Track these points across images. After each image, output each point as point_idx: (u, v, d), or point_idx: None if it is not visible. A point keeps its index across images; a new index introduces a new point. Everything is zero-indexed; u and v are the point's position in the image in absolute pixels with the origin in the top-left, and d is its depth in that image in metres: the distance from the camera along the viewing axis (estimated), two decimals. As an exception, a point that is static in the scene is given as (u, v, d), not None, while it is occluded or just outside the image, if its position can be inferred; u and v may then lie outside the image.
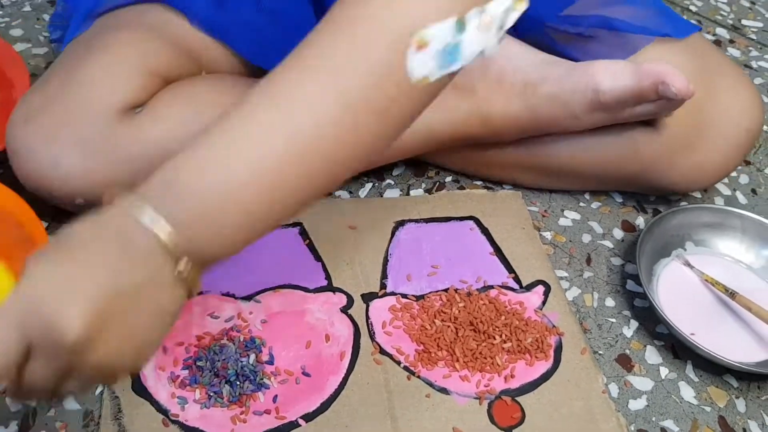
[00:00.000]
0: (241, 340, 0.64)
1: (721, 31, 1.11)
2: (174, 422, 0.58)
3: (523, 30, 0.76)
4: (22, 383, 0.41)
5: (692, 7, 1.15)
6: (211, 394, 0.60)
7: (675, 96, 0.66)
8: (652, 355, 0.68)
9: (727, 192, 0.86)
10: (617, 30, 0.74)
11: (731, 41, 1.09)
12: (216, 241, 0.44)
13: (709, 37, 1.10)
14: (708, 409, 0.65)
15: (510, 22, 0.48)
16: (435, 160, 0.83)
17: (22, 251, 0.67)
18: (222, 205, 0.43)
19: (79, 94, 0.64)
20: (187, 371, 0.61)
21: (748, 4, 1.18)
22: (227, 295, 0.68)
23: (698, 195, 0.85)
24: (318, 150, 0.44)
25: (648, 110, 0.70)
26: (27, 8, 1.01)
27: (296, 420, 0.60)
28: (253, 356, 0.62)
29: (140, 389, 0.60)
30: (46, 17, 0.99)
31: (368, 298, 0.69)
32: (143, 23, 0.70)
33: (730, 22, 1.13)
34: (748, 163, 0.89)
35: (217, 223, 0.43)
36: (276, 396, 0.61)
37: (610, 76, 0.69)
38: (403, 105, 0.46)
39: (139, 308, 0.42)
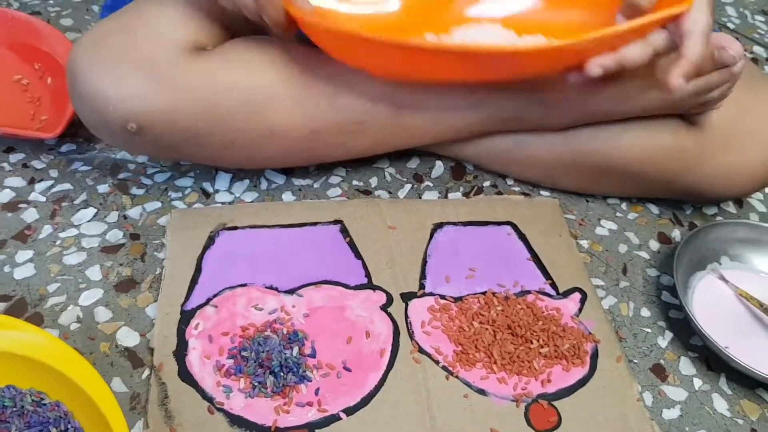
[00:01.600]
0: (285, 332, 0.65)
1: (759, 50, 1.11)
2: (219, 410, 0.60)
3: None
4: None
5: (730, 25, 1.15)
6: (256, 384, 0.61)
7: (733, 60, 0.66)
8: (686, 366, 0.69)
9: (762, 209, 0.87)
10: None
11: (768, 59, 1.10)
12: None
13: (746, 55, 1.10)
14: (741, 422, 0.65)
15: None
16: (475, 158, 0.84)
17: None
18: None
19: (154, 25, 0.67)
20: (232, 361, 0.63)
21: (785, 23, 1.18)
22: (270, 288, 0.69)
23: (733, 210, 0.85)
24: None
25: (702, 85, 0.69)
26: (77, -1, 1.03)
27: (338, 413, 0.61)
28: (296, 349, 0.64)
29: (186, 376, 0.62)
30: (96, 8, 1.01)
31: (407, 297, 0.70)
32: None
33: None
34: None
35: None
36: (318, 389, 0.62)
37: None
38: None
39: None
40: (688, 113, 0.74)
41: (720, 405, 0.67)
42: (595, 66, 0.60)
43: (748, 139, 0.75)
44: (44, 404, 0.56)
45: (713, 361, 0.70)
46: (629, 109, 0.74)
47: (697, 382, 0.68)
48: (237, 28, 0.73)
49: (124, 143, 0.71)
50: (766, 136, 0.75)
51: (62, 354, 0.55)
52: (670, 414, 0.65)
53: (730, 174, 0.77)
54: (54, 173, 0.79)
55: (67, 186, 0.77)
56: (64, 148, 0.82)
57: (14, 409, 0.55)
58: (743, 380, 0.68)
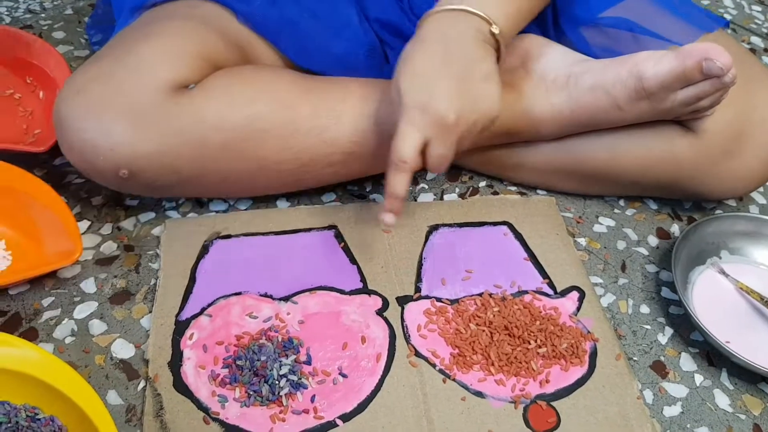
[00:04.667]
0: (280, 340, 0.65)
1: (756, 40, 1.11)
2: (215, 420, 0.59)
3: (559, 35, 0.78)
4: (427, 164, 0.64)
5: (727, 15, 1.15)
6: (251, 392, 0.61)
7: (721, 71, 0.65)
8: (686, 362, 0.68)
9: (762, 201, 0.86)
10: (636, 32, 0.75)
11: (766, 50, 1.09)
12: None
13: (744, 45, 1.09)
14: (743, 417, 0.65)
15: None
16: (469, 164, 0.84)
17: None
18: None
19: (135, 68, 0.65)
20: (227, 370, 0.63)
21: (782, 13, 1.17)
22: (265, 295, 0.69)
23: (733, 203, 0.85)
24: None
25: (691, 95, 0.68)
26: (69, 11, 1.03)
27: (334, 420, 0.60)
28: (291, 356, 0.63)
29: (181, 387, 0.61)
30: (87, 20, 1.01)
31: (403, 301, 0.70)
32: (195, 15, 0.71)
33: (765, 30, 1.13)
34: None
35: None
36: (314, 396, 0.62)
37: (653, 61, 0.68)
38: None
39: (474, 78, 0.62)
40: (681, 120, 0.73)
41: (722, 401, 0.66)
42: None
43: (746, 142, 0.74)
44: (38, 419, 0.56)
45: (714, 356, 0.69)
46: (620, 118, 0.73)
47: (699, 378, 0.67)
48: (219, 59, 0.71)
49: (119, 187, 0.70)
50: (762, 138, 0.74)
51: (55, 369, 0.56)
52: (672, 411, 0.64)
53: (730, 179, 0.76)
54: (48, 187, 0.79)
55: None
56: (57, 161, 0.82)
57: (9, 425, 0.55)
58: (745, 375, 0.68)
